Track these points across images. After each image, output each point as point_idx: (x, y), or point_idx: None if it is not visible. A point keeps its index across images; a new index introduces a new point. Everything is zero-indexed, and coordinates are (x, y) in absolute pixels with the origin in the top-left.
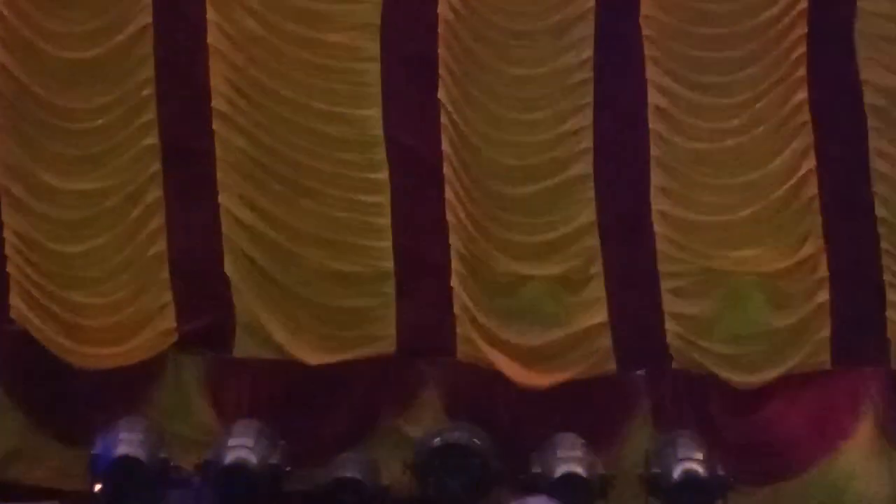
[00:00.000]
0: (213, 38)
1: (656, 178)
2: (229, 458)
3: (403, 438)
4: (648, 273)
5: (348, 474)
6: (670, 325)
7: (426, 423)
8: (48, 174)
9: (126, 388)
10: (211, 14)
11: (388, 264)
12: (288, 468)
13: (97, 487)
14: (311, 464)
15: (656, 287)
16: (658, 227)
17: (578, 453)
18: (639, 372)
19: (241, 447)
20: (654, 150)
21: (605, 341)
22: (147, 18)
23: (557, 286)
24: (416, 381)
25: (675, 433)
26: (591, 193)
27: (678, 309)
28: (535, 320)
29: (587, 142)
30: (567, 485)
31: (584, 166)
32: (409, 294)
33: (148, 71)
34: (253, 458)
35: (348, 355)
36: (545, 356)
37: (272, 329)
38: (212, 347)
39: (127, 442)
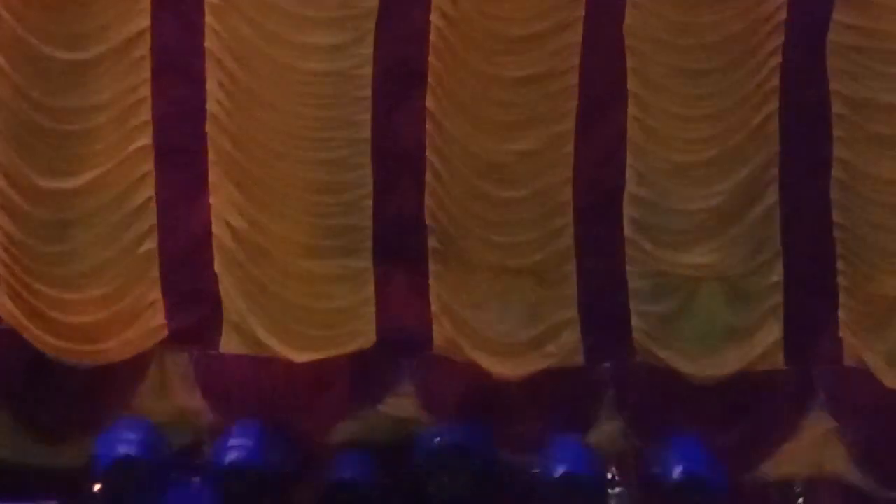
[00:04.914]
0: (209, 42)
1: (631, 185)
2: (229, 458)
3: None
4: (617, 273)
5: (348, 474)
6: (636, 322)
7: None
8: (37, 174)
9: (113, 386)
10: (209, 18)
11: (369, 265)
12: (288, 468)
13: (97, 487)
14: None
15: (624, 286)
16: (628, 232)
17: (577, 453)
18: (605, 364)
19: (241, 447)
20: (631, 159)
21: (574, 335)
22: (145, 21)
23: (532, 282)
24: (395, 375)
25: (675, 434)
26: (570, 196)
27: (644, 307)
28: (509, 314)
29: (568, 147)
30: (567, 485)
31: (564, 170)
32: (389, 292)
33: (144, 73)
34: (253, 458)
35: (331, 352)
36: (517, 350)
37: (258, 328)
38: (200, 344)
39: (127, 442)
